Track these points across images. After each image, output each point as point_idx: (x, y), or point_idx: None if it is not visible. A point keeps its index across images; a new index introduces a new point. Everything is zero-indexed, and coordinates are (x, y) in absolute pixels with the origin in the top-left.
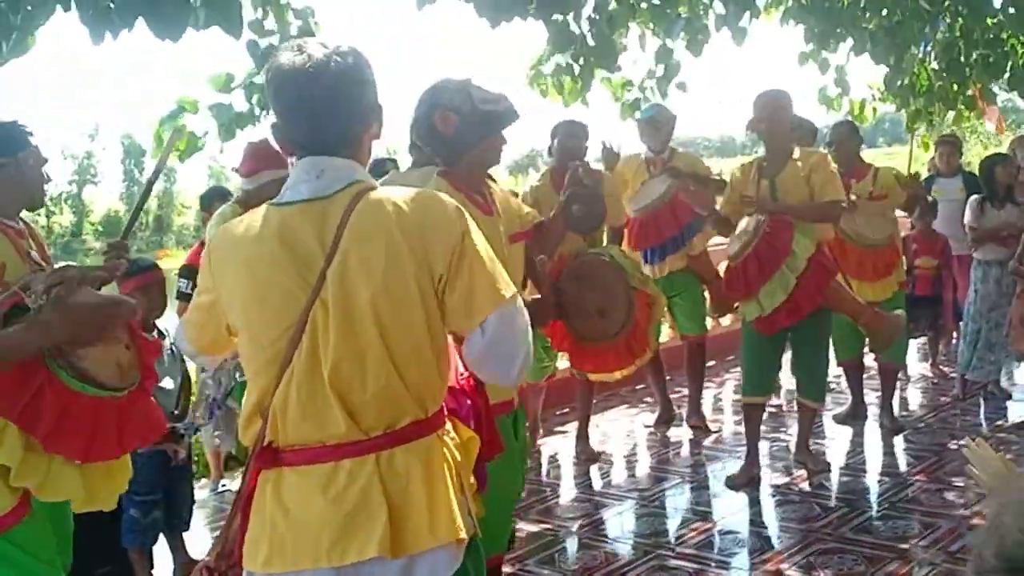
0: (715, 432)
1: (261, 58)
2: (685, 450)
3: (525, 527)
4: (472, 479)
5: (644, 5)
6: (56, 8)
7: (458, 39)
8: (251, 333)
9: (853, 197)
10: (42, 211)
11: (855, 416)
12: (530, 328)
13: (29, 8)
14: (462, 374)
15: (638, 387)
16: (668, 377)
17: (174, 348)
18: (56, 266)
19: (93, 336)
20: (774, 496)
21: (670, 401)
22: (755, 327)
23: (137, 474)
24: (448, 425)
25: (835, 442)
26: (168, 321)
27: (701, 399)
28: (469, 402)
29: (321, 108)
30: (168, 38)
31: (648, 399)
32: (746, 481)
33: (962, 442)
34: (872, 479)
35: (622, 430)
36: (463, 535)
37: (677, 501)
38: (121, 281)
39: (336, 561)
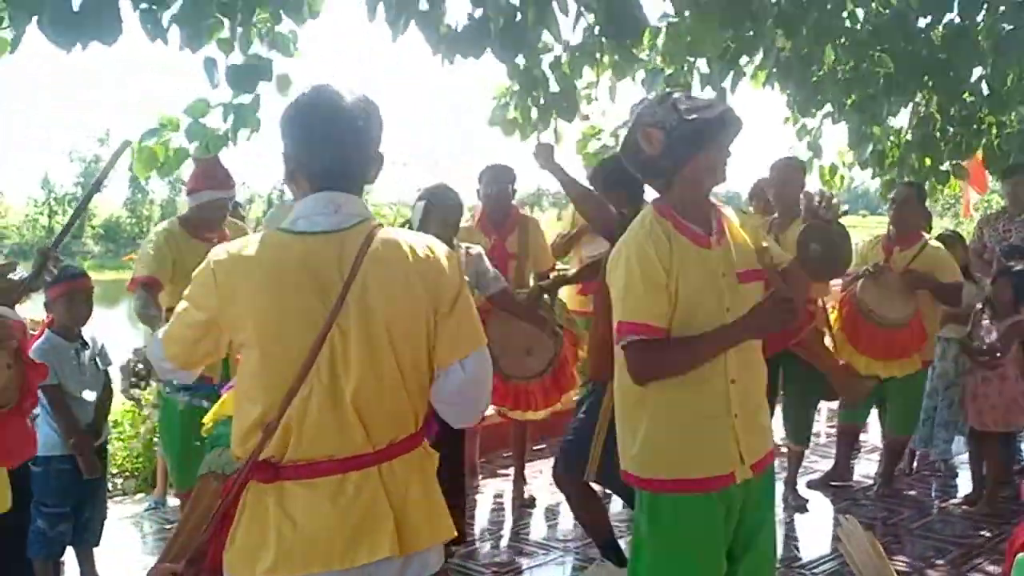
0: None
1: (234, 77)
2: (620, 503)
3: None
4: None
5: (607, 59)
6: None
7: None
8: (264, 351)
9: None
10: (44, 211)
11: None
12: None
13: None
14: None
15: None
16: None
17: (98, 360)
18: None
19: None
20: None
21: None
22: None
23: (46, 485)
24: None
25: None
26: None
27: None
28: (435, 425)
29: (349, 148)
30: (108, 43)
31: None
32: None
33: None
34: (801, 547)
35: None
36: (454, 533)
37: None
38: (47, 288)
39: (348, 564)
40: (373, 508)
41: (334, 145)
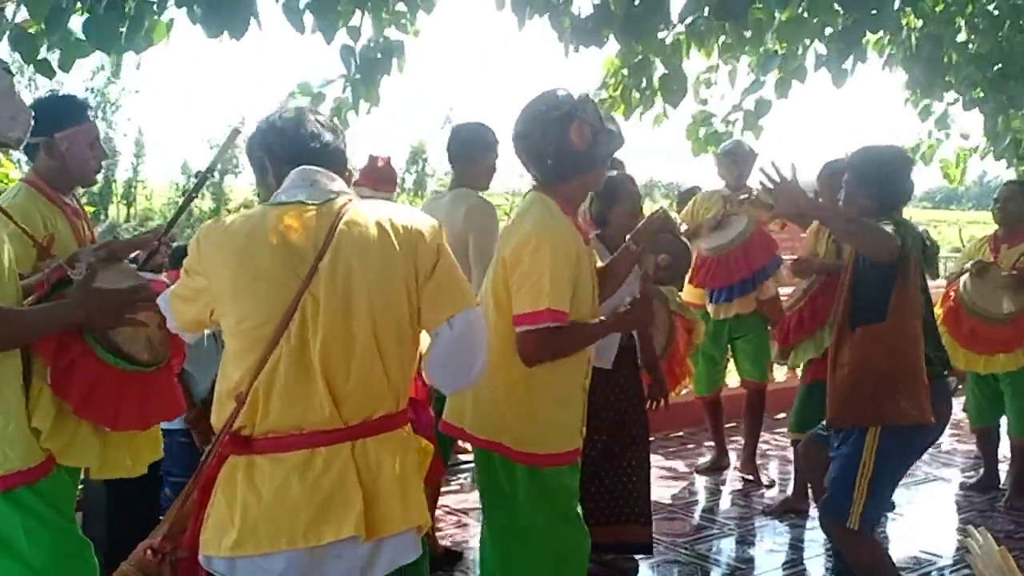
0: (767, 486)
1: (364, 63)
2: (732, 500)
3: None
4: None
5: (713, 41)
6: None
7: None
8: (238, 318)
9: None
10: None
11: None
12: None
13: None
14: (421, 388)
15: (699, 430)
16: (732, 424)
17: (216, 336)
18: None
19: (111, 321)
20: (819, 556)
21: (725, 448)
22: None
23: (173, 455)
24: (409, 427)
25: (912, 507)
26: None
27: (756, 449)
28: (425, 415)
29: (325, 141)
30: (234, 37)
31: (709, 443)
32: (781, 510)
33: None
34: (930, 551)
35: (673, 472)
36: (427, 520)
37: (715, 552)
38: (168, 268)
39: (313, 541)
40: (342, 485)
41: (312, 136)
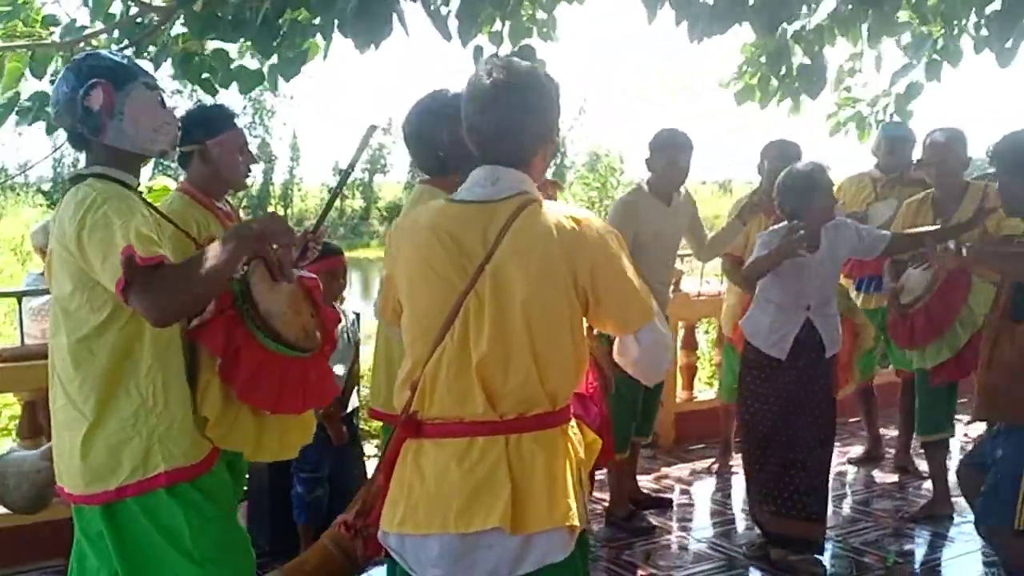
0: (924, 477)
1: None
2: (887, 492)
3: (694, 550)
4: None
5: (862, 27)
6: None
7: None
8: (412, 309)
9: None
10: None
11: None
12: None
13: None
14: (592, 383)
15: (851, 420)
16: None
17: (349, 334)
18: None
19: (258, 249)
20: (977, 552)
21: (879, 439)
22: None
23: (304, 451)
24: (573, 423)
25: None
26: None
27: (912, 440)
28: (596, 409)
29: (508, 122)
30: (371, 46)
31: (862, 433)
32: (925, 516)
33: None
34: None
35: None
36: (576, 522)
37: (870, 546)
38: (309, 265)
39: (462, 528)
40: (493, 477)
41: (498, 117)
